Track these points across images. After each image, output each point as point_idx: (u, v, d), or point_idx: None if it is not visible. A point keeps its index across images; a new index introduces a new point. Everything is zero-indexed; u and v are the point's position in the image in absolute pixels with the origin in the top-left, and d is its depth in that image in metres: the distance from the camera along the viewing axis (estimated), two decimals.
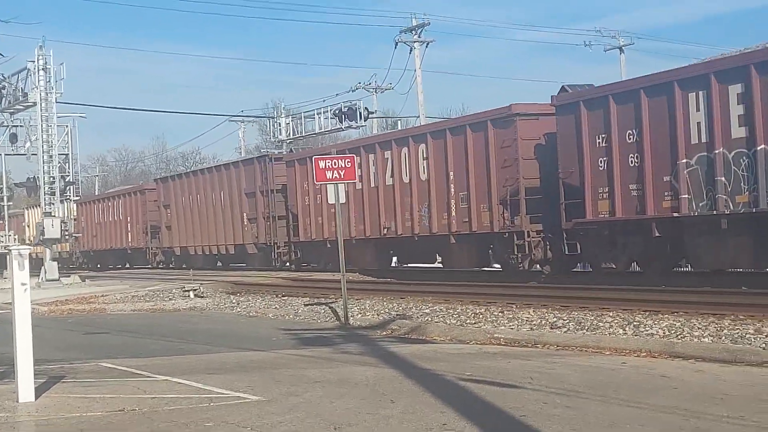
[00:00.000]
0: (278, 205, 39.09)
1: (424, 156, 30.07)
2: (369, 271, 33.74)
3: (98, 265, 59.52)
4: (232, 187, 42.72)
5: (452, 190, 28.87)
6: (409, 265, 35.38)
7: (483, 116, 28.16)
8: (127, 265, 57.65)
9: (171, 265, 50.15)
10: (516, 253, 26.62)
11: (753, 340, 13.81)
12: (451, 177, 28.84)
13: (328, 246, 34.95)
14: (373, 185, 32.59)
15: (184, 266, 46.81)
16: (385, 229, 31.81)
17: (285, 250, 39.19)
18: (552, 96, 25.53)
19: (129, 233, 54.54)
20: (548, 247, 26.44)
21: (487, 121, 27.50)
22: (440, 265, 34.32)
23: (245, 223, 41.36)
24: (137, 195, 54.15)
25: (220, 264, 47.54)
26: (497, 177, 27.09)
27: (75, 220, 59.69)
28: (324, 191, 32.00)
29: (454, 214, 28.84)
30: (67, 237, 41.20)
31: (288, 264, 39.43)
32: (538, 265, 27.10)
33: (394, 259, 35.38)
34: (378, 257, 34.14)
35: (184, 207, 47.54)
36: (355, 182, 29.73)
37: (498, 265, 29.78)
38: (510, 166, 26.61)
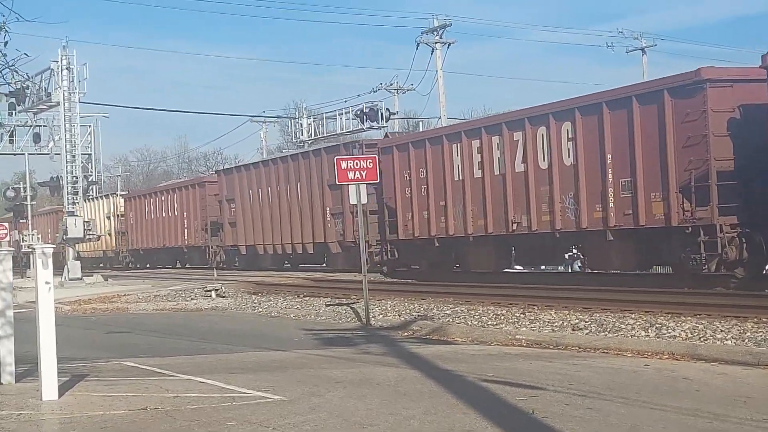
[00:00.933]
0: (369, 199, 31.99)
1: (570, 136, 25.22)
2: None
3: (147, 265, 56.88)
4: (312, 179, 38.05)
5: (610, 176, 24.03)
6: (532, 268, 31.92)
7: (656, 85, 23.36)
8: (185, 265, 53.89)
9: (235, 265, 46.62)
10: (701, 252, 21.75)
11: None
12: (609, 160, 24.00)
13: (436, 245, 30.61)
14: (497, 173, 27.73)
15: (232, 266, 45.23)
16: (515, 225, 27.12)
17: (377, 249, 33.90)
18: (763, 56, 20.71)
19: (185, 230, 50.81)
20: (744, 245, 21.70)
21: (663, 90, 22.56)
22: (578, 268, 32.14)
23: (328, 219, 36.89)
24: (195, 188, 50.19)
25: (288, 264, 43.44)
26: (676, 159, 22.27)
27: (122, 216, 59.38)
28: (431, 181, 30.29)
29: (612, 205, 23.94)
30: (90, 236, 41.27)
31: (380, 266, 34.37)
32: (724, 267, 22.15)
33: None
34: (496, 258, 29.34)
35: (252, 201, 42.99)
36: (473, 170, 28.35)
37: (668, 267, 26.03)
38: (696, 145, 21.82)
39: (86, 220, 56.54)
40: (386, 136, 34.04)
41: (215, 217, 47.18)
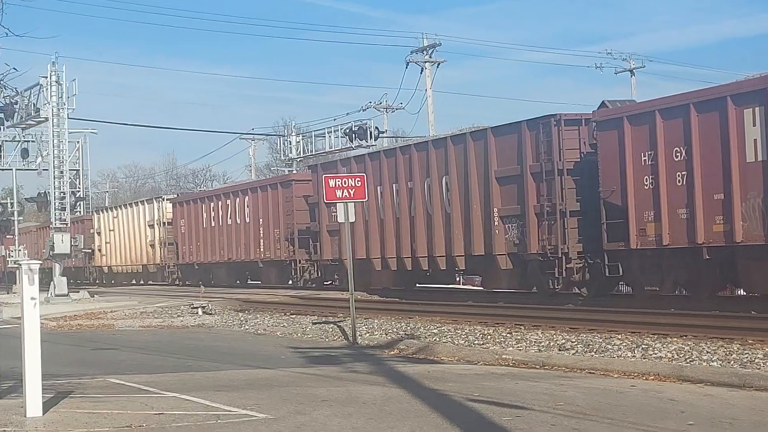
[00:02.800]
0: (568, 194, 25.21)
1: None
2: (387, 291, 33.29)
3: (200, 282, 45.44)
4: (470, 169, 28.28)
5: None
6: None
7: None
8: (245, 282, 46.77)
9: (335, 284, 37.82)
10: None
11: (762, 364, 13.78)
12: None
13: (705, 257, 21.93)
14: None
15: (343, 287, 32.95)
16: None
17: (579, 264, 25.40)
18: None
19: (261, 241, 41.84)
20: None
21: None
22: None
23: (496, 224, 27.29)
24: (277, 189, 41.01)
25: (417, 286, 33.98)
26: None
27: (168, 224, 51.61)
28: (697, 165, 21.71)
29: None
30: (77, 252, 41.11)
31: (579, 288, 26.25)
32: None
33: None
34: None
35: (368, 203, 31.08)
36: None
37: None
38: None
39: (109, 229, 57.95)
40: (603, 105, 25.14)
41: (305, 224, 38.17)
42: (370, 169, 32.39)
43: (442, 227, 29.56)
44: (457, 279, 36.26)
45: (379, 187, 32.31)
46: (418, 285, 33.76)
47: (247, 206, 42.94)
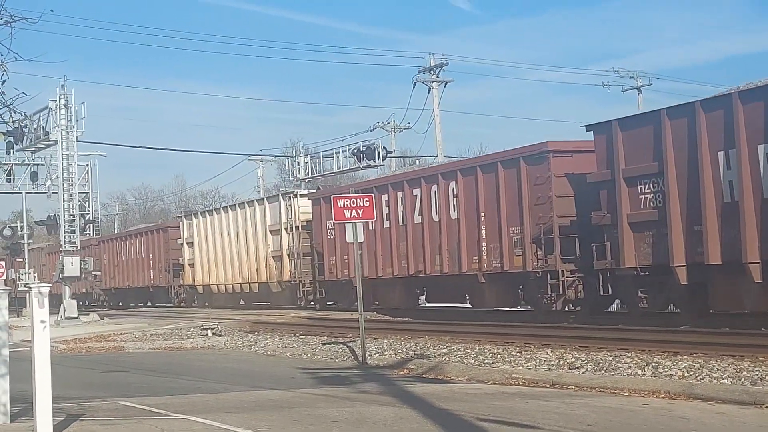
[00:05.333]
0: None
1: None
2: (391, 311, 33.48)
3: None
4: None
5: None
6: None
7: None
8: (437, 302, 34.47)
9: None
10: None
11: None
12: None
13: None
14: None
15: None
16: None
17: None
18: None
19: (484, 245, 28.21)
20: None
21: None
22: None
23: None
24: (502, 170, 27.47)
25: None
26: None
27: (305, 228, 39.42)
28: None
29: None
30: (86, 275, 41.24)
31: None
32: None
33: None
34: None
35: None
36: None
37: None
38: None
39: (206, 238, 48.09)
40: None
41: (549, 217, 25.84)
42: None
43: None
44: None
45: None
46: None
47: (447, 194, 29.73)
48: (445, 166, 32.30)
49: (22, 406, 12.39)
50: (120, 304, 61.21)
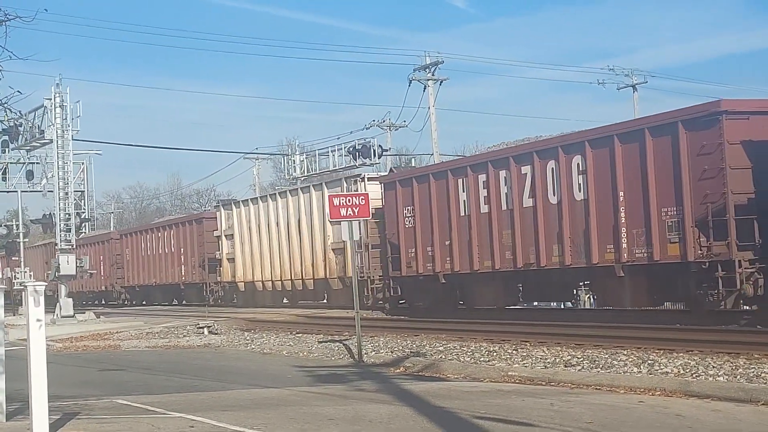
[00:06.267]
0: None
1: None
2: (385, 309, 33.29)
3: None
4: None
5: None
6: None
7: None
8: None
9: None
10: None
11: None
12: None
13: None
14: None
15: None
16: None
17: None
18: None
19: (626, 229, 23.36)
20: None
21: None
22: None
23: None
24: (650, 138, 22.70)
25: None
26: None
27: (373, 217, 29.81)
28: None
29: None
30: (82, 274, 41.20)
31: None
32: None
33: None
34: None
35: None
36: None
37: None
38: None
39: (248, 230, 42.55)
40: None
41: (720, 194, 21.19)
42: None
43: None
44: None
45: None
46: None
47: (581, 168, 24.62)
48: (568, 137, 26.82)
49: (18, 404, 12.39)
50: (144, 302, 56.72)
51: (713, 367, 15.14)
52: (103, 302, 61.65)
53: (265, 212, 42.59)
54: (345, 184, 36.16)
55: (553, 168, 25.28)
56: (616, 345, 18.62)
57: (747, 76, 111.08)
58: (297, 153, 54.45)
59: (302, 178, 52.82)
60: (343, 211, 20.67)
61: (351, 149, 48.09)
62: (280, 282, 41.49)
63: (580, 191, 24.50)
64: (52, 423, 11.03)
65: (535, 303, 32.59)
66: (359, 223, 21.09)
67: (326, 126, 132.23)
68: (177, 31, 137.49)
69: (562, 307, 31.37)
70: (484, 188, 27.86)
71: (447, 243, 29.29)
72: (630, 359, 16.68)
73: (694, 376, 14.62)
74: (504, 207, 27.09)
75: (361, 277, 33.40)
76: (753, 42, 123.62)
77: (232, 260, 45.63)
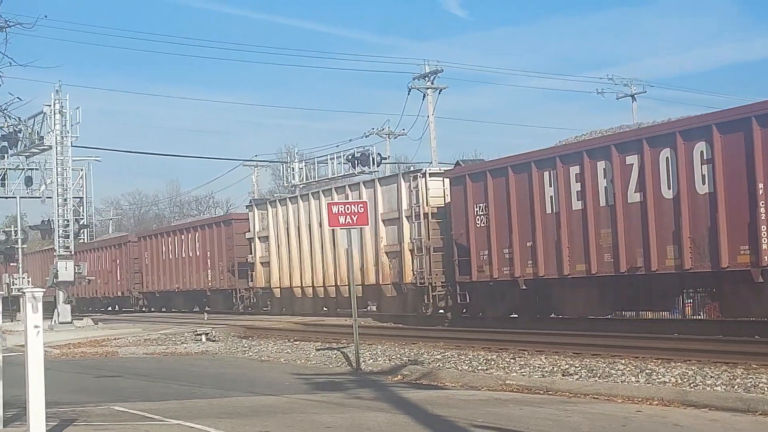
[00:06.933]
0: None
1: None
2: (383, 317, 33.11)
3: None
4: None
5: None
6: None
7: None
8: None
9: None
10: None
11: (766, 389, 13.78)
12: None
13: None
14: None
15: None
16: None
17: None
18: None
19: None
20: None
21: None
22: None
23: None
24: None
25: None
26: None
27: (434, 215, 31.52)
28: None
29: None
30: (82, 281, 41.20)
31: None
32: None
33: None
34: None
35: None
36: None
37: None
38: None
39: (286, 231, 38.76)
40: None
41: None
42: None
43: None
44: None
45: None
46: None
47: (707, 156, 21.63)
48: (688, 121, 22.88)
49: (15, 410, 12.38)
50: (163, 309, 53.13)
51: (711, 376, 15.14)
52: (115, 308, 59.74)
53: (306, 211, 38.63)
54: (403, 182, 32.92)
55: (668, 157, 22.29)
56: (614, 354, 18.62)
57: (745, 85, 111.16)
58: (296, 160, 54.43)
59: (301, 186, 52.81)
60: (341, 219, 20.68)
61: (350, 157, 48.10)
62: (322, 288, 37.59)
63: (704, 183, 21.43)
64: (50, 429, 11.03)
65: (628, 313, 28.78)
66: (349, 232, 20.98)
67: (325, 134, 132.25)
68: (176, 38, 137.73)
69: (669, 317, 28.12)
70: (577, 182, 24.77)
71: (529, 244, 26.16)
72: (628, 368, 16.68)
73: (692, 385, 14.63)
74: (603, 203, 23.99)
75: (421, 283, 31.20)
76: (752, 51, 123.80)
77: (266, 264, 41.73)
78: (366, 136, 57.40)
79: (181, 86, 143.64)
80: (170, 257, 51.50)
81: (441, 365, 19.46)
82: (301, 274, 38.87)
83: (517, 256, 26.47)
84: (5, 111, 14.86)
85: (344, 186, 37.44)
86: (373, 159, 47.20)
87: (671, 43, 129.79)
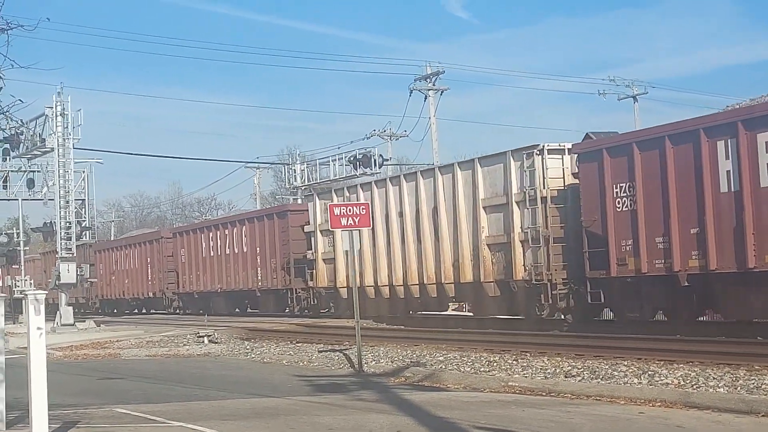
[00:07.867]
0: None
1: None
2: (384, 318, 33.06)
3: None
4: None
5: None
6: None
7: None
8: None
9: None
10: None
11: None
12: None
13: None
14: None
15: None
16: None
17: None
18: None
19: None
20: None
21: None
22: None
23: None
24: None
25: None
26: None
27: (553, 199, 26.11)
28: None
29: None
30: (84, 282, 41.18)
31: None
32: None
33: None
34: None
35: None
36: None
37: None
38: None
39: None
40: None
41: None
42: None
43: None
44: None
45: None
46: None
47: None
48: None
49: (18, 413, 12.38)
50: (201, 311, 45.34)
51: (714, 378, 15.12)
52: (142, 311, 55.88)
53: (382, 200, 33.32)
54: (512, 160, 27.34)
55: None
56: (617, 356, 18.59)
57: (747, 86, 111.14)
58: (298, 162, 54.46)
59: (303, 188, 52.78)
60: (343, 221, 20.67)
61: (352, 159, 48.13)
62: (402, 287, 32.38)
63: None
64: (52, 431, 11.02)
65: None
66: (351, 234, 20.95)
67: (327, 135, 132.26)
68: (178, 40, 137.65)
69: None
70: (726, 158, 20.77)
71: (694, 231, 21.58)
72: (630, 370, 16.66)
73: (694, 387, 14.61)
74: (763, 184, 20.11)
75: (537, 280, 26.18)
76: (753, 53, 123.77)
77: (330, 261, 36.21)
78: (368, 138, 57.41)
79: (182, 88, 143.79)
80: (211, 254, 46.47)
81: (443, 367, 19.45)
82: (376, 271, 33.56)
83: (676, 246, 21.90)
84: (7, 113, 14.86)
85: (432, 169, 31.99)
86: (374, 161, 47.24)
87: (672, 44, 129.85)
